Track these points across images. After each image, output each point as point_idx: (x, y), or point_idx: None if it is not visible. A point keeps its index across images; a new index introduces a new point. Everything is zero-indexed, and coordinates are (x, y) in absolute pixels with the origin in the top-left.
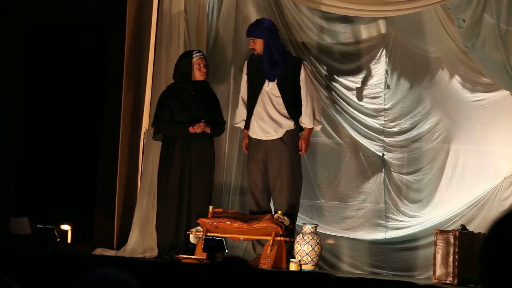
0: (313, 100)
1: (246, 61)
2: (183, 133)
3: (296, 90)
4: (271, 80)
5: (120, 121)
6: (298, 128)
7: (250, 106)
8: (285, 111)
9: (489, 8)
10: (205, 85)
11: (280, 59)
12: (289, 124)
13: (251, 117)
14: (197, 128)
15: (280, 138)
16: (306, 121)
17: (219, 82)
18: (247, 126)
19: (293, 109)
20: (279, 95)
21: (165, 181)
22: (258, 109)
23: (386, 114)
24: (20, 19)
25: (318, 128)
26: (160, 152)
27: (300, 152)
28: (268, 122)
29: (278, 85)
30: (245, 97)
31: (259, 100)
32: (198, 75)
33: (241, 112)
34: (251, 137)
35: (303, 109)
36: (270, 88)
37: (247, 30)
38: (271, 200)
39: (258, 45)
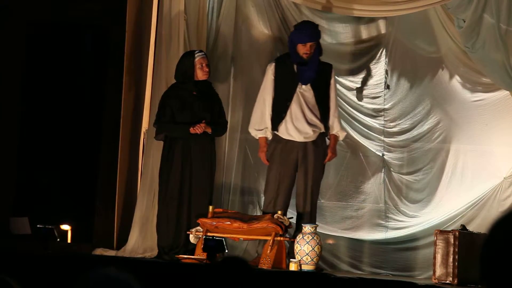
0: (337, 107)
1: (274, 63)
2: (184, 133)
3: (326, 94)
4: (304, 83)
5: (120, 121)
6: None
7: (283, 108)
8: (318, 113)
9: (489, 8)
10: (207, 84)
11: (314, 61)
12: (321, 127)
13: (283, 118)
14: (197, 129)
15: (313, 140)
16: (335, 125)
17: (219, 82)
18: (275, 128)
19: (323, 112)
20: (312, 96)
21: (166, 181)
22: (294, 110)
23: (386, 114)
24: (20, 19)
25: (343, 136)
26: (162, 152)
27: (324, 160)
28: (305, 124)
29: (312, 87)
30: (271, 101)
31: (294, 101)
32: (200, 74)
33: (266, 118)
34: (281, 139)
35: (331, 113)
36: (303, 90)
37: (309, 34)
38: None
39: (313, 49)
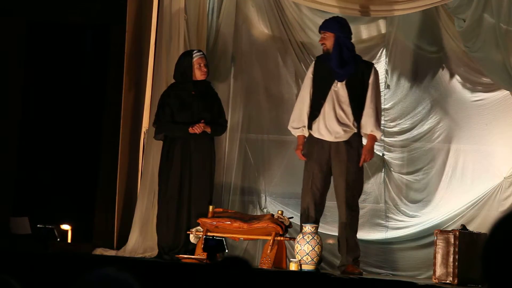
0: (377, 107)
1: (314, 62)
2: (183, 133)
3: (364, 93)
4: (340, 80)
5: (120, 121)
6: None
7: (317, 106)
8: (350, 112)
9: (489, 8)
10: (206, 84)
11: (350, 59)
12: (353, 126)
13: (316, 117)
14: (196, 129)
15: (345, 140)
16: (367, 124)
17: (219, 82)
18: (310, 126)
19: (356, 111)
20: (346, 95)
21: (166, 180)
22: (326, 108)
23: (386, 114)
24: (20, 19)
25: (378, 135)
26: (161, 152)
27: (359, 164)
28: (335, 123)
29: (347, 85)
30: (308, 99)
31: (328, 99)
32: (198, 74)
33: (303, 117)
34: (313, 138)
35: (365, 112)
36: (338, 88)
37: (321, 24)
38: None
39: (328, 41)
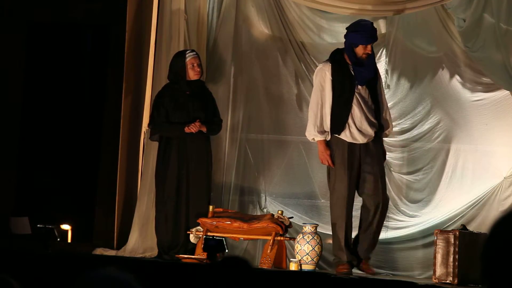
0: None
1: (330, 65)
2: (179, 133)
3: (377, 91)
4: (361, 84)
5: (120, 121)
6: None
7: (345, 111)
8: (374, 112)
9: (489, 8)
10: (200, 84)
11: (372, 61)
12: (378, 126)
13: (346, 122)
14: (192, 128)
15: (372, 140)
16: (387, 123)
17: (219, 82)
18: (337, 131)
19: (377, 110)
20: (368, 96)
21: (163, 181)
22: (356, 113)
23: None
24: (20, 19)
25: (391, 131)
26: (157, 153)
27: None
28: (368, 126)
29: (368, 87)
30: (330, 102)
31: (354, 104)
32: (192, 74)
33: (326, 121)
34: (340, 141)
35: (385, 109)
36: (359, 90)
37: (371, 35)
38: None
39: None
